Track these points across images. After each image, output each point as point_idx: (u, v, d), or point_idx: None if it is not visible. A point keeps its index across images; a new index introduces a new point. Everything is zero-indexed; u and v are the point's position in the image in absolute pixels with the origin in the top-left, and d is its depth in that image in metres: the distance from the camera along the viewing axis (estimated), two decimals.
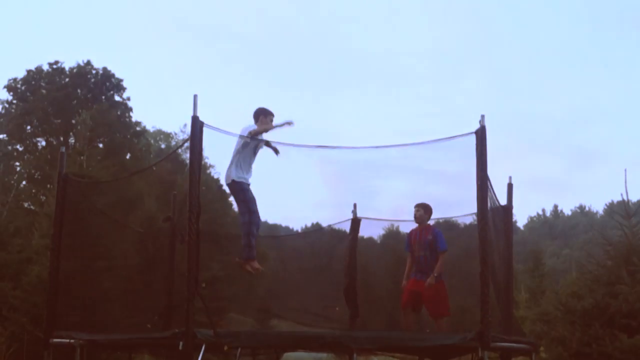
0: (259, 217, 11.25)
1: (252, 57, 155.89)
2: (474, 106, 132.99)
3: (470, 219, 12.23)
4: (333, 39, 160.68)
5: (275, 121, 11.31)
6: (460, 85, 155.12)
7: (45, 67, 48.31)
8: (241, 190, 11.13)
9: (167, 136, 63.58)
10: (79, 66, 48.75)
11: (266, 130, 11.13)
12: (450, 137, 9.95)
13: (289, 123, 11.15)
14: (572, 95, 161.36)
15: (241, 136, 10.94)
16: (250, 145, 11.13)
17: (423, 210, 12.43)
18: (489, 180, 10.42)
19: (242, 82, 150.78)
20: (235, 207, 54.94)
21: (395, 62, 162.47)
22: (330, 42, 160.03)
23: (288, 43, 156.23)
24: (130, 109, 50.02)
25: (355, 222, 14.33)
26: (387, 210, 14.62)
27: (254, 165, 11.30)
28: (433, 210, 12.55)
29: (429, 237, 12.22)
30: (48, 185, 39.51)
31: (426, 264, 12.19)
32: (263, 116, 11.31)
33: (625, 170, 12.89)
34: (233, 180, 11.06)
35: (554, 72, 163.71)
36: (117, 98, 49.51)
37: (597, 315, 11.15)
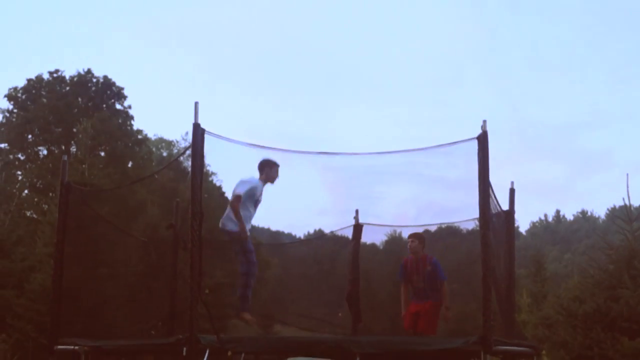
0: (256, 268, 11.33)
1: (254, 65, 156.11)
2: (475, 111, 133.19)
3: (472, 224, 12.27)
4: (333, 46, 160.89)
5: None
6: (462, 90, 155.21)
7: (46, 76, 48.39)
8: (241, 241, 11.19)
9: (169, 144, 63.66)
10: (79, 75, 48.80)
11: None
12: (452, 143, 9.98)
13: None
14: (575, 100, 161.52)
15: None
16: (251, 197, 11.21)
17: (418, 241, 12.48)
18: (491, 186, 10.47)
19: (244, 90, 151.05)
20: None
21: (396, 68, 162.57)
22: (331, 49, 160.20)
23: (289, 51, 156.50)
24: (132, 117, 50.08)
25: (358, 228, 14.36)
26: (389, 216, 14.63)
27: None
28: (435, 216, 12.62)
29: (427, 267, 12.27)
30: (50, 194, 39.53)
31: (424, 294, 12.26)
32: (268, 168, 11.44)
33: (627, 175, 13.02)
34: (232, 231, 11.15)
35: (556, 77, 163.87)
36: (118, 106, 49.54)
37: (599, 319, 11.20)
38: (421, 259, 12.35)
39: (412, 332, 12.34)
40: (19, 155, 48.20)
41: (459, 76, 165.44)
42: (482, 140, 9.46)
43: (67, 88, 48.32)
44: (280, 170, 11.55)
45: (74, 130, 41.87)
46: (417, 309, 12.22)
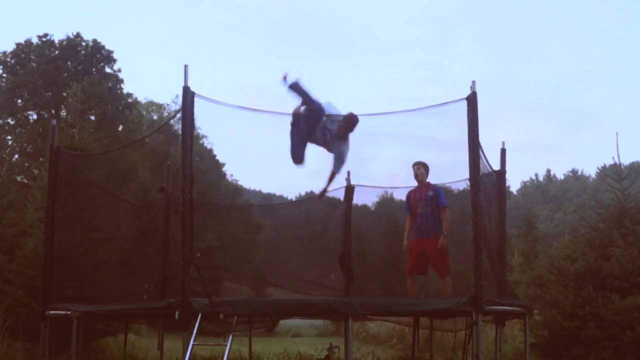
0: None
1: (244, 26, 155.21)
2: (467, 71, 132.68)
3: (463, 185, 12.23)
4: (325, 5, 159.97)
5: None
6: (454, 50, 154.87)
7: (35, 40, 48.10)
8: None
9: (159, 107, 63.37)
10: (68, 39, 48.53)
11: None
12: (443, 104, 10.01)
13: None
14: (565, 59, 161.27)
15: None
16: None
17: (423, 168, 12.38)
18: (481, 146, 10.46)
19: (234, 51, 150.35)
20: (229, 176, 55.14)
21: (388, 28, 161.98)
22: (322, 9, 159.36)
23: (280, 10, 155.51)
24: (122, 81, 49.93)
25: (349, 189, 14.36)
26: (381, 177, 14.62)
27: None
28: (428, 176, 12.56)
29: (429, 193, 12.16)
30: (40, 159, 39.51)
31: (427, 221, 12.11)
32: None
33: (617, 133, 12.92)
34: None
35: (547, 35, 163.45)
36: (107, 70, 49.36)
37: (590, 278, 11.22)
38: (425, 186, 12.29)
39: (416, 275, 12.25)
40: (9, 120, 48.08)
41: (451, 35, 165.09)
42: (472, 100, 9.48)
43: (57, 52, 48.08)
44: (272, 133, 11.50)
45: (64, 94, 41.66)
46: (422, 246, 12.13)
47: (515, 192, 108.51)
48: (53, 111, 46.23)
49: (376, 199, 18.20)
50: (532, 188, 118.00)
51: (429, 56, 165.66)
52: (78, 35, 48.89)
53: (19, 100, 47.68)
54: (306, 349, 15.14)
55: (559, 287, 11.74)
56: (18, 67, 47.41)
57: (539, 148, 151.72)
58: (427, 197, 12.10)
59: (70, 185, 13.39)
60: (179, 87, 9.45)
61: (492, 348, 11.86)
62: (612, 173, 12.70)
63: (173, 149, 35.33)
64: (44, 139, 37.61)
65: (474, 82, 9.50)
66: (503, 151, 12.68)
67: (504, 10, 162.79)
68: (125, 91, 50.28)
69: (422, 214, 12.13)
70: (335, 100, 11.43)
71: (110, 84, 48.64)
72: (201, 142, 48.69)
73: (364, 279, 14.99)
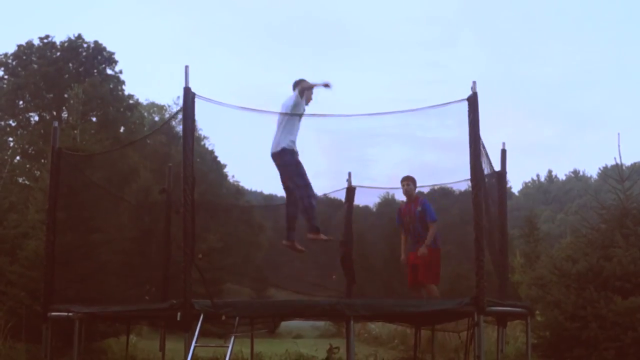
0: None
1: (246, 25, 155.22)
2: (468, 72, 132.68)
3: (465, 185, 12.24)
4: (328, 6, 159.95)
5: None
6: (455, 50, 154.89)
7: (36, 42, 48.21)
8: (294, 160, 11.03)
9: (161, 108, 63.40)
10: (69, 40, 48.60)
11: (310, 87, 11.01)
12: (444, 104, 9.98)
13: (326, 85, 11.10)
14: (567, 60, 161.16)
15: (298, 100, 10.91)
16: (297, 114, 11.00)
17: (412, 184, 12.54)
18: (484, 147, 10.45)
19: (236, 51, 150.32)
20: (230, 178, 55.00)
21: (389, 28, 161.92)
22: (325, 9, 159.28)
23: (282, 11, 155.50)
24: (123, 82, 50.00)
25: (350, 190, 14.36)
26: (382, 178, 14.67)
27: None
28: (428, 178, 12.66)
29: (418, 208, 12.32)
30: (42, 160, 39.49)
31: (419, 236, 12.30)
32: (300, 87, 11.20)
33: (619, 134, 12.93)
34: (283, 148, 10.92)
35: (549, 35, 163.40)
36: (109, 71, 49.45)
37: (592, 278, 11.22)
38: (413, 201, 12.42)
39: (417, 287, 12.36)
40: (10, 122, 48.12)
41: (453, 36, 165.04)
42: (472, 101, 9.47)
43: (58, 54, 48.16)
44: (273, 133, 11.40)
45: (65, 96, 41.71)
46: (415, 259, 12.28)
47: (516, 193, 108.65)
48: (54, 113, 46.32)
49: (377, 200, 18.22)
50: (534, 189, 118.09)
51: (429, 56, 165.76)
52: (79, 36, 49.03)
53: (21, 102, 47.75)
54: (308, 350, 15.14)
55: (560, 287, 11.74)
56: (19, 69, 47.46)
57: (540, 148, 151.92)
58: (415, 213, 12.29)
59: (71, 187, 13.40)
60: (180, 88, 9.43)
61: (493, 349, 11.84)
62: (614, 174, 12.70)
63: (174, 150, 35.36)
64: (45, 141, 37.63)
65: (474, 82, 9.49)
66: (503, 152, 12.69)
67: (505, 10, 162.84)
68: (126, 93, 50.46)
69: (414, 229, 12.33)
70: (336, 100, 11.39)
71: (111, 86, 48.70)
72: (202, 143, 48.72)
73: (366, 279, 14.98)
